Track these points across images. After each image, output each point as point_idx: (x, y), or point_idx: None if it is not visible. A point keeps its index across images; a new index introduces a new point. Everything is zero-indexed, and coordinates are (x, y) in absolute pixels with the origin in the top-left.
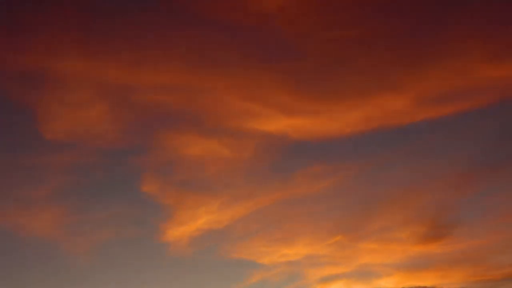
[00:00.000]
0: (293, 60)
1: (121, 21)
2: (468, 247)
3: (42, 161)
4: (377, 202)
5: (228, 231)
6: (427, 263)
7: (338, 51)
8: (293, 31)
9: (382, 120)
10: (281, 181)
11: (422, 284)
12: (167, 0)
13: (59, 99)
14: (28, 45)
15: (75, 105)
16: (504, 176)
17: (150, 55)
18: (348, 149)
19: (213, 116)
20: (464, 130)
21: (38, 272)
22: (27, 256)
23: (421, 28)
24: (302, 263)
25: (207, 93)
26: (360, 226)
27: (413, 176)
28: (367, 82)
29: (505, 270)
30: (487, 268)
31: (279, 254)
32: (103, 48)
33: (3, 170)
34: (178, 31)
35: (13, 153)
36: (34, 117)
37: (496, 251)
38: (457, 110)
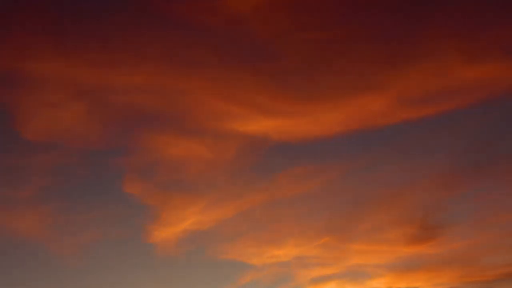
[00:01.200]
0: (269, 61)
1: (94, 21)
2: (459, 247)
3: (23, 162)
4: (364, 203)
5: (216, 232)
6: (419, 264)
7: (315, 52)
8: (268, 32)
9: (363, 121)
10: (265, 182)
11: (414, 284)
12: (140, 1)
13: (35, 99)
14: (2, 45)
15: (53, 105)
16: (491, 176)
17: (124, 57)
18: (331, 150)
19: (192, 117)
20: (448, 130)
21: (24, 272)
22: (12, 257)
23: (398, 29)
24: (292, 264)
25: (184, 95)
26: (348, 227)
27: (399, 177)
28: (345, 83)
29: (497, 271)
30: (479, 269)
31: (268, 255)
32: (77, 49)
33: None
34: (152, 32)
35: None
36: (12, 117)
37: (488, 252)
38: (438, 111)
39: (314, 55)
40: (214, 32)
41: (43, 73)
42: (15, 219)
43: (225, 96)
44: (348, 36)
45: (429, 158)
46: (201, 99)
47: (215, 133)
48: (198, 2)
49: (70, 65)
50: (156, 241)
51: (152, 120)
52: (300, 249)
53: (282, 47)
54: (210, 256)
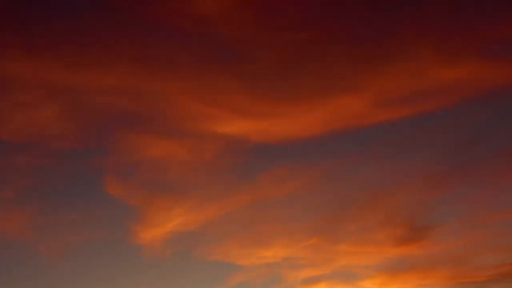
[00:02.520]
0: (243, 63)
1: (65, 22)
2: (448, 248)
3: (2, 162)
4: (350, 203)
5: (202, 233)
6: (409, 265)
7: (290, 53)
8: (240, 33)
9: (343, 122)
10: (247, 183)
11: (406, 286)
12: (109, 2)
13: (8, 99)
14: None
15: (27, 105)
16: (477, 176)
17: (96, 58)
18: (312, 151)
19: (169, 118)
20: (429, 131)
21: (9, 274)
22: None
23: (374, 30)
24: (282, 265)
25: (159, 96)
26: (335, 228)
27: (384, 177)
28: (323, 84)
29: (488, 272)
30: (469, 270)
31: (257, 256)
32: (48, 49)
33: None
34: (123, 34)
35: None
36: None
37: (478, 252)
38: (418, 111)
39: (290, 56)
40: (185, 33)
41: (15, 73)
42: (1, 220)
43: (201, 97)
44: (324, 37)
45: (413, 158)
46: (177, 100)
47: (194, 134)
48: (166, 4)
49: (43, 65)
50: (142, 243)
51: (129, 121)
52: (288, 250)
53: (256, 48)
54: (198, 257)
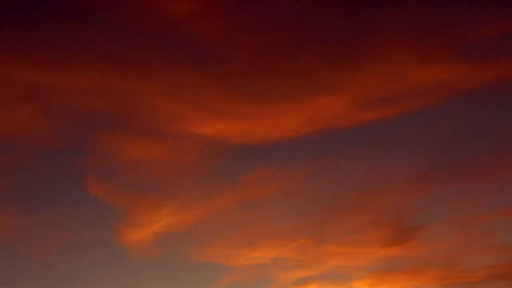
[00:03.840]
0: (217, 64)
1: (36, 23)
2: (438, 249)
3: None
4: (336, 204)
5: (189, 235)
6: (400, 266)
7: (264, 54)
8: (212, 35)
9: (324, 122)
10: (231, 184)
11: (397, 286)
12: (81, 4)
13: None
14: None
15: (1, 106)
16: (464, 177)
17: (69, 59)
18: (294, 152)
19: (147, 119)
20: (412, 131)
21: None
22: None
23: (350, 30)
24: (271, 266)
25: (135, 97)
26: (322, 229)
27: (370, 178)
28: (299, 85)
29: (479, 273)
30: (460, 271)
31: (246, 257)
32: (18, 50)
33: None
34: (95, 35)
35: None
36: None
37: (467, 253)
38: (399, 111)
39: (264, 58)
40: (157, 35)
41: None
42: None
43: (177, 98)
44: (299, 39)
45: (399, 159)
46: (154, 101)
47: (173, 135)
48: (136, 6)
49: (15, 66)
50: (129, 243)
51: (106, 122)
52: (277, 251)
53: (230, 49)
54: (186, 258)
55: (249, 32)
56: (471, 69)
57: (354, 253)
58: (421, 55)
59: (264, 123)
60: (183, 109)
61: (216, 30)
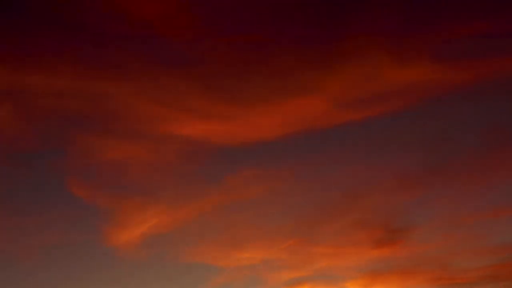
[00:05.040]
0: (192, 66)
1: (5, 23)
2: (428, 250)
3: None
4: (323, 205)
5: (177, 236)
6: (391, 267)
7: (238, 56)
8: (185, 37)
9: (304, 123)
10: (215, 186)
11: (389, 287)
12: (48, 8)
13: None
14: None
15: None
16: (450, 177)
17: (41, 61)
18: (278, 153)
19: (125, 120)
20: (395, 132)
21: None
22: None
23: (326, 31)
24: (262, 267)
25: (112, 98)
26: (311, 230)
27: (355, 178)
28: (276, 87)
29: (471, 274)
30: (452, 272)
31: (235, 258)
32: None
33: None
34: (66, 38)
35: None
36: None
37: (458, 254)
38: (379, 112)
39: (240, 59)
40: (129, 38)
41: None
42: None
43: (154, 100)
44: (274, 40)
45: (384, 159)
46: (132, 103)
47: (151, 136)
48: (104, 8)
49: None
50: (116, 244)
51: (84, 123)
52: (266, 252)
53: (203, 50)
54: (176, 259)
55: (221, 34)
56: (448, 70)
57: (344, 254)
58: (397, 57)
59: (243, 123)
60: (160, 110)
61: (187, 32)
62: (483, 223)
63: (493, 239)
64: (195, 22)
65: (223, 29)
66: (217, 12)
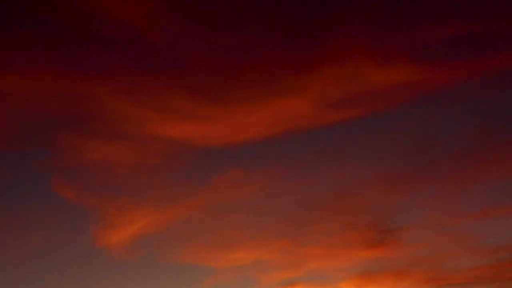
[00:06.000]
0: (174, 67)
1: None
2: (419, 251)
3: None
4: (312, 206)
5: (167, 236)
6: (383, 267)
7: (220, 58)
8: (167, 39)
9: (288, 124)
10: (202, 186)
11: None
12: (29, 9)
13: None
14: None
15: None
16: (438, 178)
17: (20, 63)
18: (263, 154)
19: (109, 121)
20: (379, 132)
21: None
22: None
23: (308, 35)
24: (254, 267)
25: (94, 100)
26: (301, 231)
27: (343, 179)
28: (260, 88)
29: (463, 274)
30: (444, 272)
31: (226, 259)
32: None
33: None
34: (46, 39)
35: None
36: None
37: (449, 255)
38: (361, 113)
39: (222, 60)
40: (109, 39)
41: None
42: None
43: (137, 101)
44: (256, 42)
45: (370, 159)
46: (113, 104)
47: (136, 137)
48: (83, 11)
49: None
50: (105, 246)
51: (67, 123)
52: (257, 253)
53: (185, 52)
54: (166, 260)
55: (203, 36)
56: (427, 71)
57: (335, 254)
58: (378, 58)
59: (228, 124)
60: (145, 111)
61: (169, 33)
62: (474, 224)
63: (485, 240)
64: (178, 24)
65: (207, 31)
66: (201, 15)
